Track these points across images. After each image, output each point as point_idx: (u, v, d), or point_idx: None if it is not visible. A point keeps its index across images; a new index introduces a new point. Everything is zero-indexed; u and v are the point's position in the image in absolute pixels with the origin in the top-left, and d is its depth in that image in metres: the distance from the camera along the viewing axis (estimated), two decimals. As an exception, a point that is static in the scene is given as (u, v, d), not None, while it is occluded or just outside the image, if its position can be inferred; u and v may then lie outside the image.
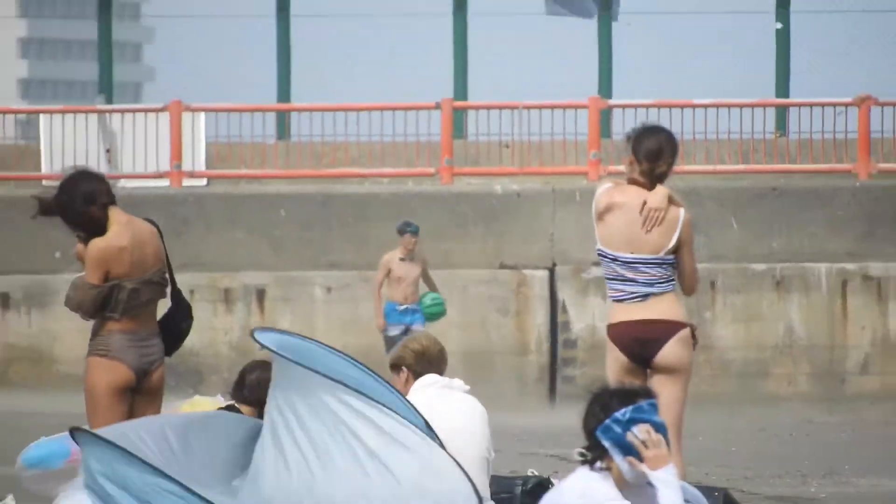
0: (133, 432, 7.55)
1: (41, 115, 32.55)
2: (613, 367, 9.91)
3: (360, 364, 7.63)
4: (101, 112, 31.69)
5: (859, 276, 28.07)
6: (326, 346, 7.71)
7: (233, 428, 7.84)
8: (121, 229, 9.94)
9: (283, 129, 32.66)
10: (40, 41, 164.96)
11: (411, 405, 7.57)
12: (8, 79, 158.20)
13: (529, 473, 11.80)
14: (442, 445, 7.39)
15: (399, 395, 7.60)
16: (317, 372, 7.31)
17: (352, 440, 7.41)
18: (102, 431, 7.52)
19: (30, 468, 10.26)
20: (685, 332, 9.83)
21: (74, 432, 7.59)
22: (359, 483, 7.39)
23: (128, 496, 7.32)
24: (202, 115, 30.80)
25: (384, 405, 7.36)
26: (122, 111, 32.20)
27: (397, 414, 7.36)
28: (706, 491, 9.12)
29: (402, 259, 24.97)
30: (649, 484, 6.50)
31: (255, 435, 7.73)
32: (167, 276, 10.46)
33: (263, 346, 7.61)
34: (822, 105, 30.72)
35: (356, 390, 7.35)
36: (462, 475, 7.20)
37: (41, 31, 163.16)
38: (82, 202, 9.89)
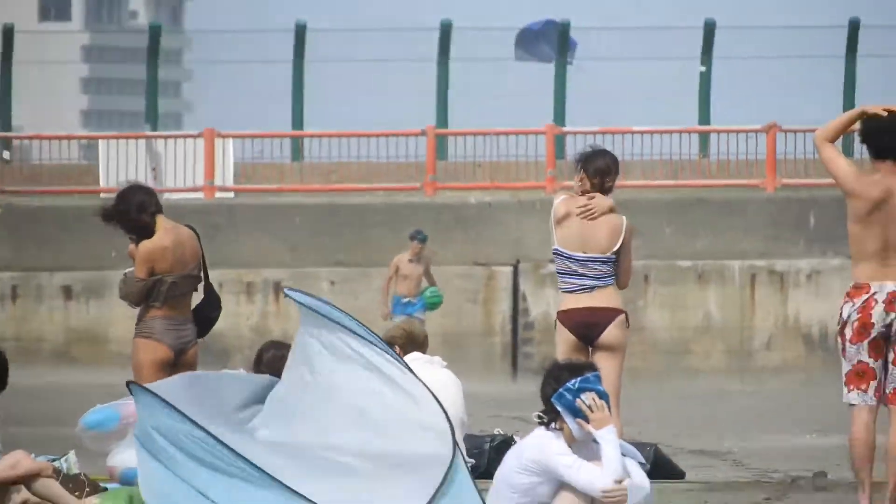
0: (171, 386, 7.54)
1: (100, 141, 32.76)
2: (562, 346, 9.94)
3: (366, 326, 7.65)
4: (148, 137, 31.82)
5: (766, 272, 28.16)
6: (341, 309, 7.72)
7: (249, 384, 7.82)
8: (165, 234, 10.16)
9: (297, 152, 32.78)
10: (98, 80, 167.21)
11: (404, 362, 7.55)
12: (72, 110, 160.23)
13: (496, 433, 11.81)
14: (431, 392, 7.27)
15: (395, 354, 7.60)
16: (331, 319, 7.46)
17: (358, 371, 7.45)
18: (149, 385, 7.54)
19: (88, 430, 10.13)
20: (622, 317, 9.90)
21: (129, 384, 7.73)
22: (358, 402, 7.42)
23: (165, 440, 7.38)
24: (231, 141, 30.87)
25: (386, 353, 7.34)
26: (166, 137, 32.38)
27: (396, 361, 7.30)
28: (640, 446, 9.14)
29: (409, 260, 25.18)
30: (595, 441, 6.51)
31: (267, 389, 7.90)
32: (202, 272, 10.67)
33: (291, 297, 7.85)
34: (737, 132, 30.96)
35: (364, 338, 7.35)
36: (440, 409, 7.08)
37: (99, 72, 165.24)
38: (136, 211, 10.09)
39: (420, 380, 7.44)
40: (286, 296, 7.95)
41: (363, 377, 7.36)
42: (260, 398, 7.73)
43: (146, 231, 10.19)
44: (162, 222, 10.16)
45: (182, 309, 10.57)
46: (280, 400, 7.44)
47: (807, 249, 28.59)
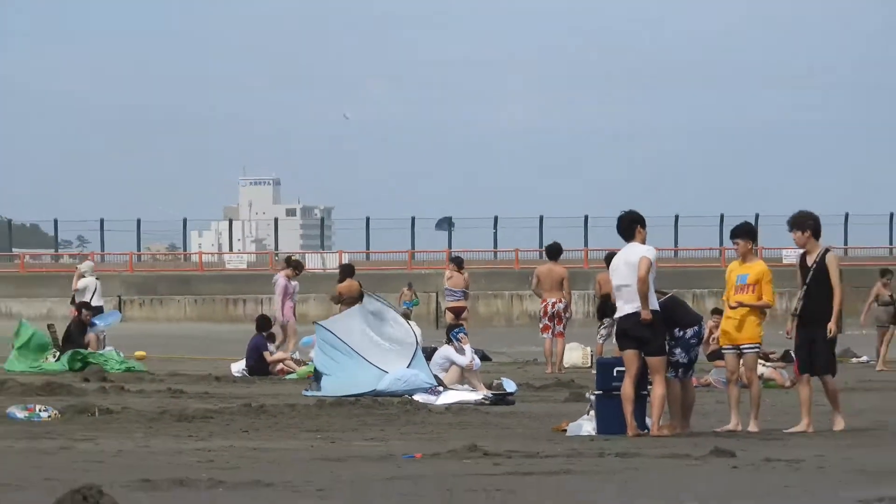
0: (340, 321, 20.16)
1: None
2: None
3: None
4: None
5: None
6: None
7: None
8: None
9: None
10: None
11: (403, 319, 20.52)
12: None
13: (433, 346, 21.03)
14: (410, 327, 19.98)
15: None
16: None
17: (388, 320, 19.83)
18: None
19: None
20: None
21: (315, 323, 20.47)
22: (387, 330, 19.54)
23: (331, 350, 19.34)
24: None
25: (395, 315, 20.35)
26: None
27: (400, 319, 20.19)
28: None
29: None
30: (462, 350, 19.52)
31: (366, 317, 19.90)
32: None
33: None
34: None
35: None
36: (412, 331, 19.55)
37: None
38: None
39: (407, 323, 20.12)
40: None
41: (389, 321, 19.80)
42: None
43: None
44: None
45: None
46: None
47: None
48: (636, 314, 13.42)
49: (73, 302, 27.22)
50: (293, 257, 28.52)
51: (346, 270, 23.74)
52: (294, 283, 23.67)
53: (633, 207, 14.01)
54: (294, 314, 25.19)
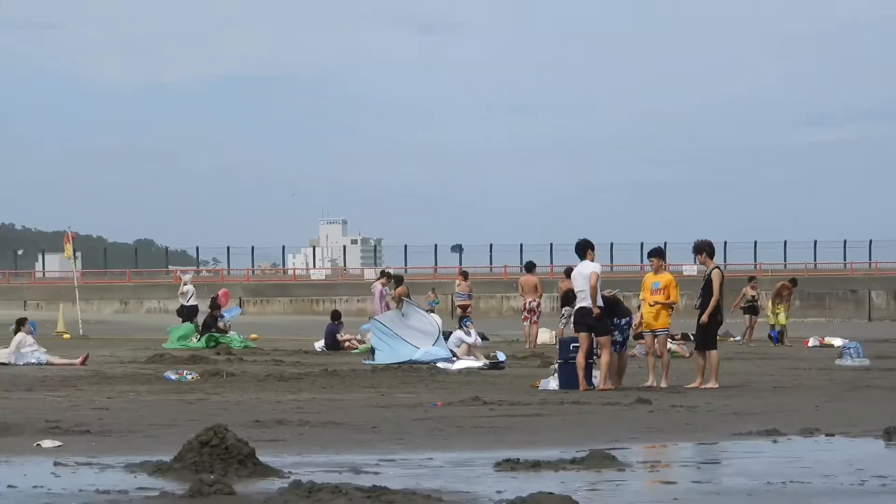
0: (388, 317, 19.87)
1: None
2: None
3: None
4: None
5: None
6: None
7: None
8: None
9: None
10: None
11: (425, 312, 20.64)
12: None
13: (448, 330, 20.27)
14: (432, 318, 19.86)
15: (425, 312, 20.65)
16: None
17: (415, 314, 19.47)
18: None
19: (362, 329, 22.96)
20: None
21: (370, 318, 20.50)
22: (415, 322, 19.23)
23: (381, 334, 19.24)
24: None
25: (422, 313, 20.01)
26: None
27: (423, 313, 20.05)
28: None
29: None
30: (469, 333, 19.79)
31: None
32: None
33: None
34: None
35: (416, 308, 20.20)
36: (434, 322, 19.41)
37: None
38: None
39: (429, 315, 20.07)
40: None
41: (420, 315, 19.48)
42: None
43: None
44: None
45: None
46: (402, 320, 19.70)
47: None
48: (588, 308, 13.40)
49: (180, 309, 26.14)
50: (386, 270, 27.29)
51: (399, 280, 23.35)
52: (386, 289, 22.77)
53: (584, 237, 14.02)
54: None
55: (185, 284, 26.87)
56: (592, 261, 13.80)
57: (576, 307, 13.76)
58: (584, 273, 13.61)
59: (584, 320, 13.52)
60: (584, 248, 13.91)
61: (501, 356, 18.37)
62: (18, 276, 62.88)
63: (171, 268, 65.55)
